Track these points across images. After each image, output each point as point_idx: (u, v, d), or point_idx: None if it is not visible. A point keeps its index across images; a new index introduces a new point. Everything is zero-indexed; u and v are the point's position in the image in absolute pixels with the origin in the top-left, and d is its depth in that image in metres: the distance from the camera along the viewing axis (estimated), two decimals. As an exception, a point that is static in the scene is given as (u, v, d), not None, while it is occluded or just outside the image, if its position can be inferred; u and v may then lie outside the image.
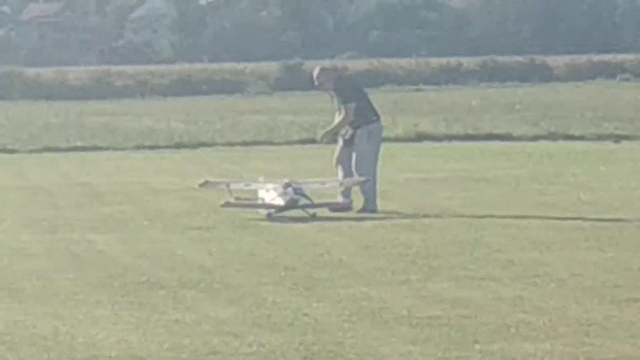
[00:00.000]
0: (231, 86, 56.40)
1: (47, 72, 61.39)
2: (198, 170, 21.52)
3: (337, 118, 15.51)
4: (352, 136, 15.24)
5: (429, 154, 25.59)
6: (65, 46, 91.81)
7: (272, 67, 62.64)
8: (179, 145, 28.28)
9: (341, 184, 15.33)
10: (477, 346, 7.52)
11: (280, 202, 14.68)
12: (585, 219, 14.21)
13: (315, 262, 11.43)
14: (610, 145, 26.66)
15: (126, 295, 9.61)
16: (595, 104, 39.69)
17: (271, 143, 28.43)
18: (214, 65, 64.76)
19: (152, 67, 64.52)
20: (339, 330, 8.08)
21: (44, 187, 20.21)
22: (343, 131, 15.41)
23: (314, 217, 14.63)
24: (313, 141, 23.12)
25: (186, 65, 64.46)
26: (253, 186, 15.79)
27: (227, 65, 64.55)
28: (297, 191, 14.95)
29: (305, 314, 8.69)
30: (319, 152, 21.62)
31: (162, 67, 64.40)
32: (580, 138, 28.01)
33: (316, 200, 15.07)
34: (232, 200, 15.10)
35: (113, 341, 7.97)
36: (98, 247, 12.53)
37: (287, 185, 14.80)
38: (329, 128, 16.11)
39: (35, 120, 38.20)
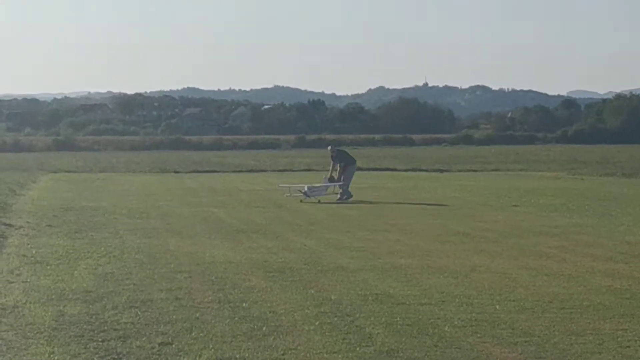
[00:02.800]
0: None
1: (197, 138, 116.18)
2: (261, 182, 41.64)
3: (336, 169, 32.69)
4: (344, 168, 31.64)
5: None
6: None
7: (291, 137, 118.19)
8: (251, 170, 54.82)
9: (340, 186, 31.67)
10: (380, 261, 16.74)
11: (308, 193, 30.17)
12: (425, 204, 28.83)
13: (309, 221, 23.08)
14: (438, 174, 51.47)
15: (227, 235, 20.36)
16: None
17: (291, 170, 55.14)
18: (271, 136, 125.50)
19: (239, 136, 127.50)
20: (319, 251, 17.79)
21: (192, 188, 38.18)
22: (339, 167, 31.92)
23: (319, 202, 29.16)
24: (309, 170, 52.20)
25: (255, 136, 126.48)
26: (298, 187, 31.25)
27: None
28: (311, 189, 30.22)
29: (305, 245, 18.73)
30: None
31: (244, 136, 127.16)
32: (425, 170, 55.45)
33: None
34: (289, 193, 31.32)
35: (220, 255, 17.36)
36: (215, 214, 24.96)
37: (309, 187, 30.25)
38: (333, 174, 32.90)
39: (190, 157, 72.97)
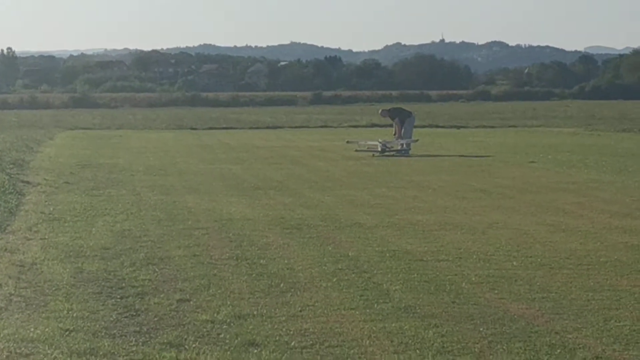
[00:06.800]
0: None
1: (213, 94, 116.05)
2: (277, 139, 42.32)
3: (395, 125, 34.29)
4: (402, 122, 33.00)
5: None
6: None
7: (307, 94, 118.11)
8: (268, 127, 54.97)
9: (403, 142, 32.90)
10: (397, 217, 16.89)
11: (378, 149, 31.64)
12: (442, 161, 28.76)
13: (325, 178, 23.14)
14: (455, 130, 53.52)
15: (244, 192, 20.40)
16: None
17: (307, 127, 55.48)
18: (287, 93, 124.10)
19: (256, 93, 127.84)
20: (336, 208, 17.81)
21: (209, 145, 38.26)
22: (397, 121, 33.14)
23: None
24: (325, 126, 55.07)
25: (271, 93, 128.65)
26: (369, 142, 33.15)
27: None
28: (385, 145, 31.61)
29: (322, 201, 18.74)
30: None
31: (260, 93, 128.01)
32: (442, 126, 54.70)
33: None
34: (358, 147, 32.78)
35: (237, 212, 17.35)
36: (232, 171, 24.99)
37: (383, 142, 31.88)
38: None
39: (207, 114, 72.55)
